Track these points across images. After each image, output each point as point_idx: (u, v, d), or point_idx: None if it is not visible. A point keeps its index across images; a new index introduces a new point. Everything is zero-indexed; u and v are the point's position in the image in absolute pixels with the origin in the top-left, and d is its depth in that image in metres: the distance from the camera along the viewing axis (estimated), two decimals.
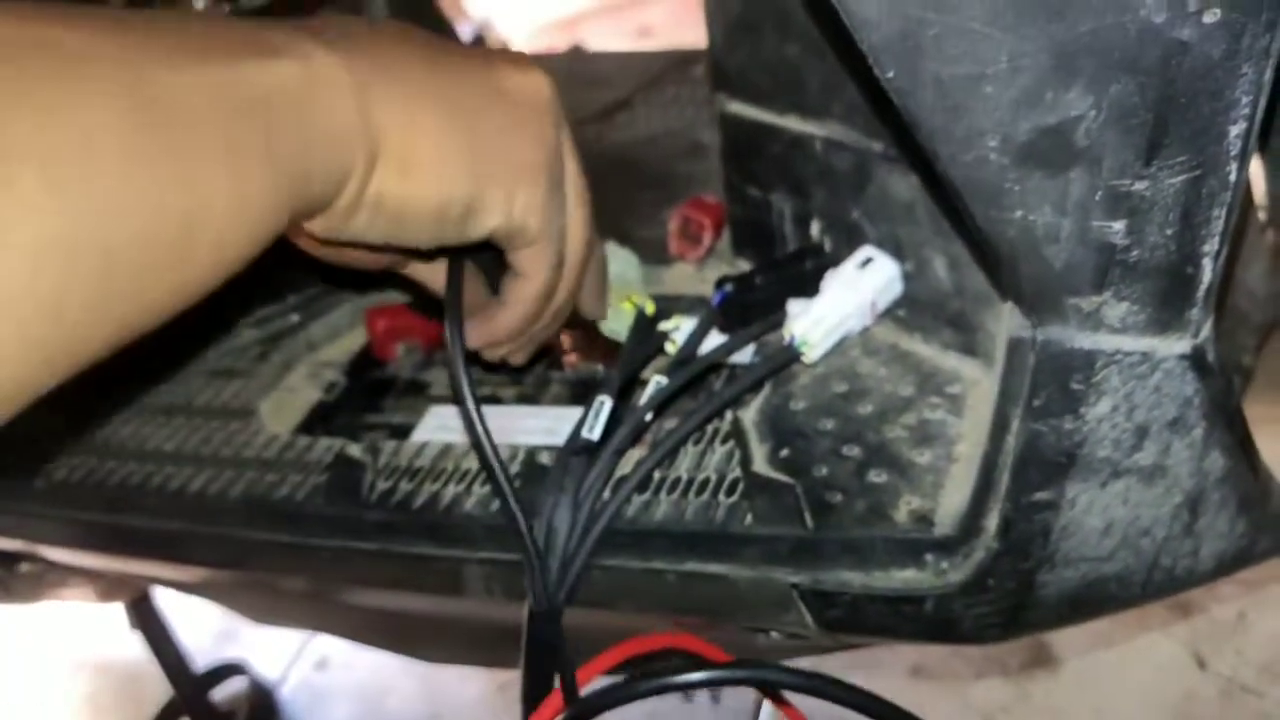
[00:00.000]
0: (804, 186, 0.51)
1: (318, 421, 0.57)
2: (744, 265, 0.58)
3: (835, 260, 0.49)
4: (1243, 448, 0.39)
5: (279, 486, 0.52)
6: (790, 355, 0.48)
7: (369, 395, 0.58)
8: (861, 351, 0.49)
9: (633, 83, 0.86)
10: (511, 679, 0.42)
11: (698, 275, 0.59)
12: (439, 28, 0.83)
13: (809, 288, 0.49)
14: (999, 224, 0.32)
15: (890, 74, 0.29)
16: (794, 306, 0.49)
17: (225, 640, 1.29)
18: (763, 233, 0.55)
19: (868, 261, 0.48)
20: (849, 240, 0.50)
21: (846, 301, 0.48)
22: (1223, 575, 0.43)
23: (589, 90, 0.87)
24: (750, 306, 0.50)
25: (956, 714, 0.98)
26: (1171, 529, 0.39)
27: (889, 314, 0.49)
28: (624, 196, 0.70)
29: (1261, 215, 0.54)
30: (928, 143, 0.31)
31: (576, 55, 1.20)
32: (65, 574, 0.76)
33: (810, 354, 0.48)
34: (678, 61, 0.88)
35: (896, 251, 0.48)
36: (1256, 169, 0.50)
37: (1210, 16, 0.27)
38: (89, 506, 0.56)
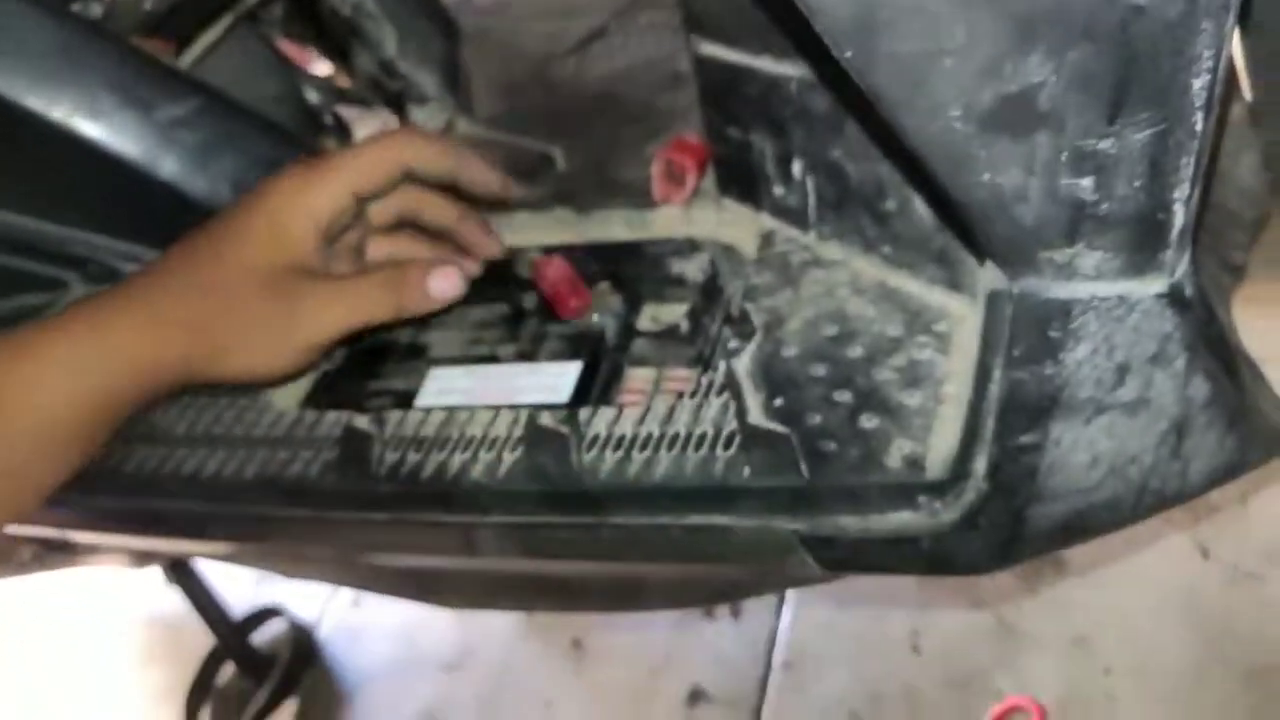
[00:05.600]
0: (783, 127, 0.50)
1: (322, 392, 0.58)
2: (731, 204, 0.58)
3: None
4: (1227, 369, 0.40)
5: (292, 464, 0.53)
6: None
7: (370, 362, 0.59)
8: (851, 290, 0.50)
9: (606, 10, 0.84)
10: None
11: (684, 217, 0.59)
12: None
13: None
14: (967, 188, 0.32)
15: (848, 54, 0.29)
16: None
17: (263, 582, 1.32)
18: (747, 172, 0.55)
19: None
20: (831, 179, 0.50)
21: None
22: (1215, 487, 0.44)
23: (564, 21, 0.85)
24: None
25: (967, 612, 1.01)
26: (1159, 454, 0.40)
27: (876, 252, 0.50)
28: (608, 134, 0.69)
29: (1246, 96, 0.52)
30: (890, 116, 0.31)
31: None
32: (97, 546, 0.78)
33: None
34: None
35: (878, 190, 0.48)
36: (1238, 53, 0.48)
37: None
38: (110, 492, 0.57)
